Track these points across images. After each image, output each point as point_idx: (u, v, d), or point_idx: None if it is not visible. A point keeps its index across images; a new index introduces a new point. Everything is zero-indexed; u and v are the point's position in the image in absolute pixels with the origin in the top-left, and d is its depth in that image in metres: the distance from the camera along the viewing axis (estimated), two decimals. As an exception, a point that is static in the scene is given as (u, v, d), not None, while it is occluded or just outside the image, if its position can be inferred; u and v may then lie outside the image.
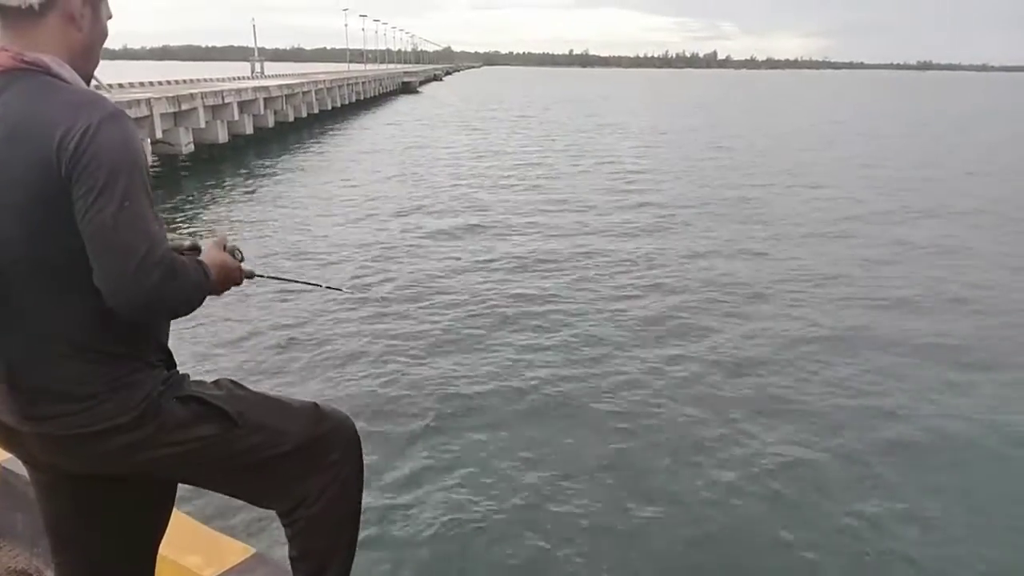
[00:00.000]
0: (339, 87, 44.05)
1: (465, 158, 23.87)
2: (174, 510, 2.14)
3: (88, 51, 1.56)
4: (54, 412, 1.48)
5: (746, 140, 30.06)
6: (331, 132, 33.59)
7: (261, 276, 1.90)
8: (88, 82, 1.57)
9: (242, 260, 1.77)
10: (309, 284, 2.54)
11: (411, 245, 12.40)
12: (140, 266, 1.37)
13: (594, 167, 21.91)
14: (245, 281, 1.78)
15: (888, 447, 5.81)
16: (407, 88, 73.31)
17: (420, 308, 9.22)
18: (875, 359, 7.57)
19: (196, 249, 1.70)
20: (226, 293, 1.72)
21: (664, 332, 8.42)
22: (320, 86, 39.22)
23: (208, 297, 1.61)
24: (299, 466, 1.74)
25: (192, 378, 1.67)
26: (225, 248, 1.73)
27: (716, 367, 7.41)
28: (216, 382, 1.71)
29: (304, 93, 35.41)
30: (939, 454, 5.77)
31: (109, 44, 1.68)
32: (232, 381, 1.74)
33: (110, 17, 1.60)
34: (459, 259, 11.55)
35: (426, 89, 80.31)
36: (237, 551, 2.33)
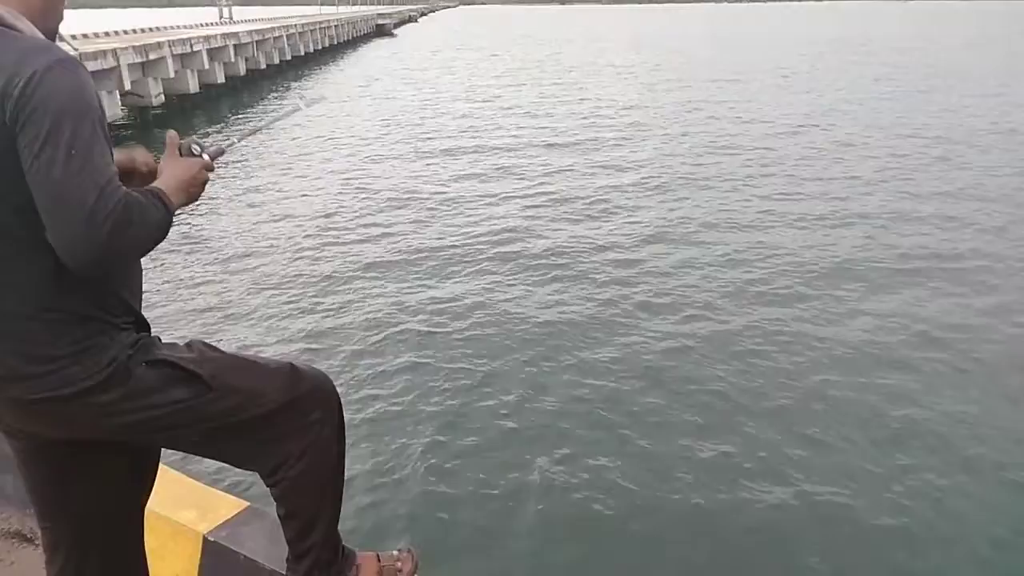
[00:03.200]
0: (311, 31, 42.88)
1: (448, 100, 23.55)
2: (166, 467, 2.16)
3: (48, 4, 1.49)
4: (19, 375, 1.45)
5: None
6: (305, 78, 32.88)
7: (232, 145, 1.84)
8: (52, 39, 1.49)
9: (203, 150, 1.68)
10: (278, 120, 2.42)
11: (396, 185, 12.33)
12: (90, 219, 1.30)
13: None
14: (218, 161, 1.71)
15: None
16: (382, 31, 71.54)
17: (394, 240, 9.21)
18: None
19: (153, 174, 1.63)
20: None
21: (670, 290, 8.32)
22: (292, 31, 38.17)
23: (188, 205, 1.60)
24: (278, 428, 1.72)
25: (164, 341, 1.63)
26: (181, 151, 1.64)
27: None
28: (188, 344, 1.67)
29: (275, 39, 34.50)
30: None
31: (70, -7, 1.60)
32: (205, 343, 1.70)
33: None
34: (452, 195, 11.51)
35: (401, 31, 78.39)
36: (230, 505, 2.35)
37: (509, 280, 8.43)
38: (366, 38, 64.44)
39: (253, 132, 2.21)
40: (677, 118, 19.66)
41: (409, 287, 8.24)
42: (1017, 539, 4.39)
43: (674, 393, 6.00)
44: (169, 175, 1.58)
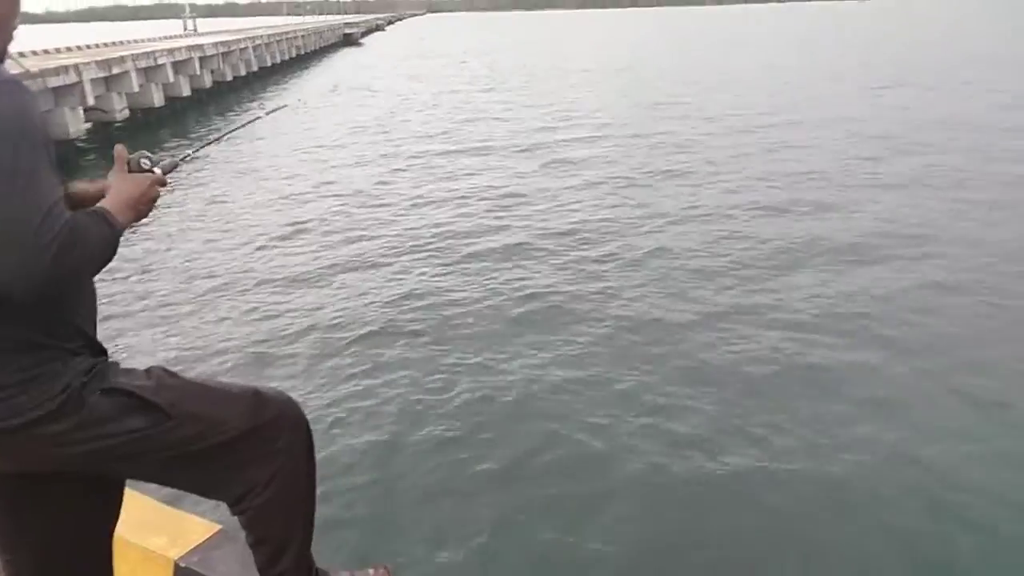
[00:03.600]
0: (277, 42, 42.59)
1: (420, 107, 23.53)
2: (134, 492, 2.12)
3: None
4: None
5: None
6: (272, 89, 32.65)
7: (185, 159, 1.78)
8: (1, 59, 1.46)
9: (154, 165, 1.63)
10: (237, 129, 2.36)
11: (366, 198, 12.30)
12: (35, 242, 1.27)
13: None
14: (169, 176, 1.66)
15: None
16: (349, 40, 71.20)
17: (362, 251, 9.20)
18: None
19: (100, 195, 1.57)
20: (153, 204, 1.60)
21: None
22: (258, 42, 37.86)
23: (137, 223, 1.55)
24: (241, 455, 1.68)
25: (122, 366, 1.59)
26: (131, 166, 1.59)
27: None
28: (147, 371, 1.63)
29: (241, 50, 34.17)
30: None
31: (30, 7, 1.60)
32: (164, 369, 1.67)
33: None
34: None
35: (369, 40, 78.16)
36: (201, 529, 2.32)
37: (469, 276, 8.61)
38: (333, 48, 64.11)
39: (209, 143, 2.14)
40: (635, 119, 19.87)
41: (373, 288, 8.30)
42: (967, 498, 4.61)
43: (629, 371, 6.24)
44: (116, 192, 1.54)
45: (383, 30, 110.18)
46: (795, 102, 22.28)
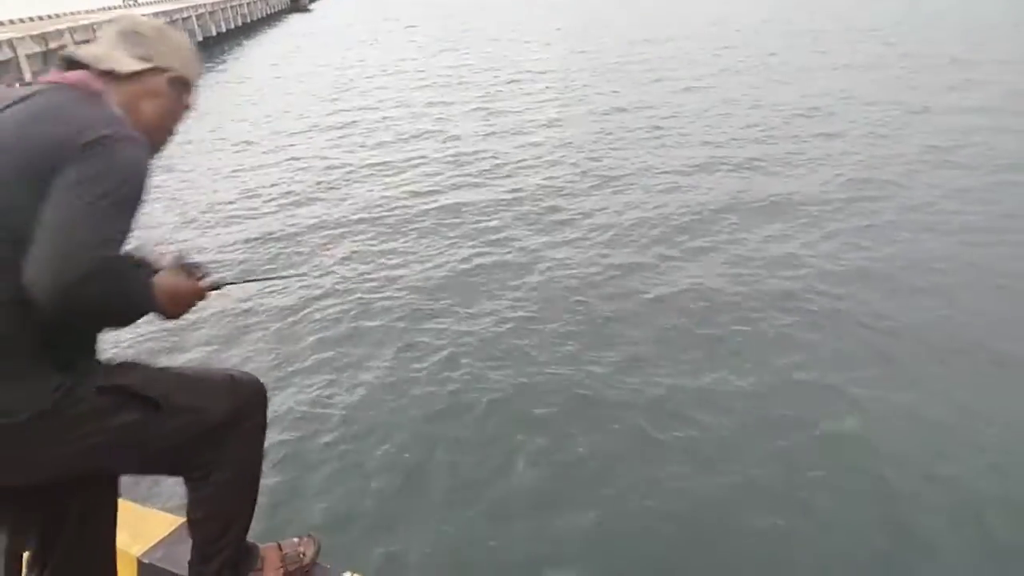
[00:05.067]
0: (222, 10, 41.26)
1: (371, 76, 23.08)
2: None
3: (157, 123, 1.68)
4: None
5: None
6: (219, 59, 31.69)
7: (230, 284, 1.84)
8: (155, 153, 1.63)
9: (203, 276, 1.70)
10: (279, 279, 2.46)
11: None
12: (77, 252, 1.31)
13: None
14: (211, 294, 1.73)
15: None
16: (297, 6, 69.26)
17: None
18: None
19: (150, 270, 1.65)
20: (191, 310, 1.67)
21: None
22: (201, 11, 36.66)
23: (167, 319, 1.62)
24: (217, 438, 1.73)
25: (112, 362, 1.63)
26: (183, 267, 1.67)
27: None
28: (135, 365, 1.67)
29: (184, 19, 33.11)
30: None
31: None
32: (148, 363, 1.72)
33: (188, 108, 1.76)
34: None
35: (319, 5, 76.17)
36: (164, 523, 2.31)
37: (423, 245, 8.65)
38: (280, 15, 62.33)
39: (248, 281, 2.57)
40: (588, 81, 19.80)
41: (327, 266, 8.19)
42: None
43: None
44: (167, 282, 1.59)
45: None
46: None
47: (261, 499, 1.90)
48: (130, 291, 1.44)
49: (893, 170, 10.78)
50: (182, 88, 1.72)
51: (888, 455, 4.78)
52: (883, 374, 5.70)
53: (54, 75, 1.60)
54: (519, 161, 12.09)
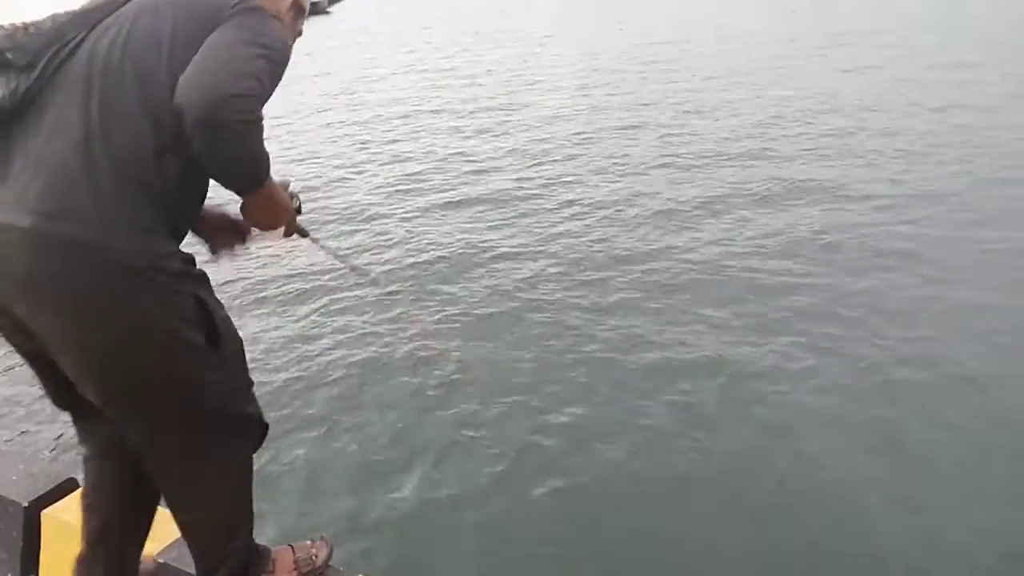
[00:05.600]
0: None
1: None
2: (73, 477, 2.31)
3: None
4: (75, 206, 1.42)
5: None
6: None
7: (314, 240, 1.89)
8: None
9: (299, 211, 1.76)
10: (356, 269, 2.52)
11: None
12: (229, 74, 1.40)
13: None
14: (296, 237, 1.80)
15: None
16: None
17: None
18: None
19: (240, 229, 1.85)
20: (274, 243, 1.77)
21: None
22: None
23: (250, 238, 1.76)
24: (229, 430, 1.73)
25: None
26: (287, 190, 1.75)
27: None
28: (220, 304, 1.68)
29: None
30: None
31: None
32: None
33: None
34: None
35: (339, 8, 76.23)
36: (178, 524, 2.30)
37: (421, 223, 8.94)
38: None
39: (332, 252, 2.48)
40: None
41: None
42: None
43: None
44: (276, 188, 1.68)
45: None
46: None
47: (274, 502, 1.90)
48: (259, 139, 1.47)
49: (898, 167, 10.88)
50: (298, 13, 1.83)
51: (871, 461, 4.79)
52: (883, 374, 5.72)
53: None
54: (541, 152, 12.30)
